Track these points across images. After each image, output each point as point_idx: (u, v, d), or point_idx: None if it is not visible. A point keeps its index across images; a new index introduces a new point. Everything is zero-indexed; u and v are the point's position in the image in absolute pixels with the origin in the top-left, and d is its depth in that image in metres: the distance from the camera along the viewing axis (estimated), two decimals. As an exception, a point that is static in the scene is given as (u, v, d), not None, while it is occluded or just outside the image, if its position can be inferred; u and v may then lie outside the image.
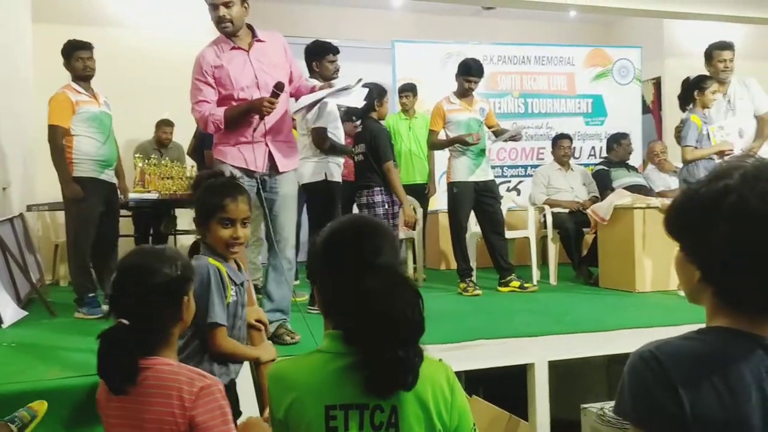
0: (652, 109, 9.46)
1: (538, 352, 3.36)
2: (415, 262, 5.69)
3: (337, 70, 4.38)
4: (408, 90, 6.24)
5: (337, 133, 4.28)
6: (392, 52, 7.26)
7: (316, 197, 4.20)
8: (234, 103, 3.15)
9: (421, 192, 6.05)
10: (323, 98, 3.41)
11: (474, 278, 5.14)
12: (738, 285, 1.08)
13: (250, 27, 3.28)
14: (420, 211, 5.74)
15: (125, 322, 1.61)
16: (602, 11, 7.64)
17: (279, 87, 3.06)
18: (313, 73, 4.36)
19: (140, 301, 1.61)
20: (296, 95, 3.47)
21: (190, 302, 1.72)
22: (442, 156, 5.73)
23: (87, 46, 4.30)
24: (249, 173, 3.16)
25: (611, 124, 7.84)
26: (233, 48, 3.21)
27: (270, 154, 3.22)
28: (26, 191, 5.76)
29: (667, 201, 5.06)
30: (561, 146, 5.91)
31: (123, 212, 5.07)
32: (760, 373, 1.08)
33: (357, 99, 3.54)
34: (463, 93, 5.07)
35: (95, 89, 4.39)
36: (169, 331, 1.68)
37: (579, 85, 7.84)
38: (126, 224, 5.60)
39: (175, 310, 1.67)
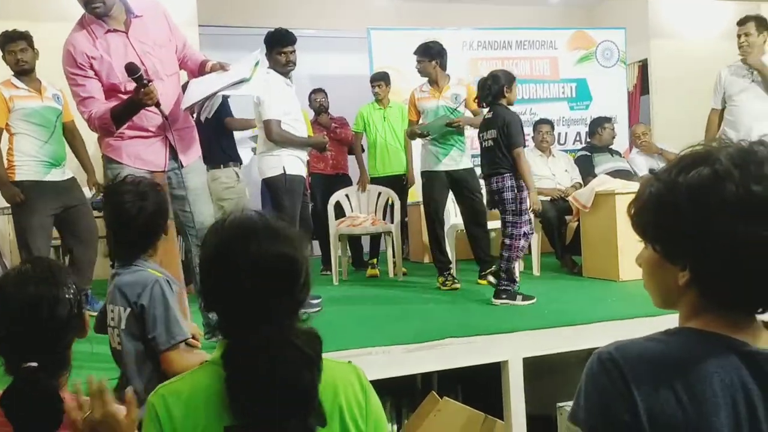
0: (634, 92, 9.29)
1: (511, 349, 3.19)
2: (394, 255, 5.51)
3: (291, 62, 4.14)
4: (380, 79, 6.05)
5: (297, 126, 4.08)
6: (368, 41, 7.05)
7: (276, 192, 4.00)
8: (122, 96, 2.79)
9: (398, 183, 5.88)
10: (217, 92, 3.04)
11: (454, 271, 4.98)
12: (735, 284, 0.95)
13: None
14: (397, 203, 5.56)
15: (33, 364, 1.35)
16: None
17: (132, 70, 2.61)
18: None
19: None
20: (186, 69, 3.13)
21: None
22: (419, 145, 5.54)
23: (19, 37, 4.00)
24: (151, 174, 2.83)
25: (597, 108, 7.64)
26: (108, 31, 2.79)
27: (171, 148, 2.93)
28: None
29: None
30: (541, 132, 5.74)
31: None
32: (733, 385, 0.93)
33: (255, 86, 3.18)
34: (432, 79, 4.87)
35: (44, 82, 4.11)
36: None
37: (562, 69, 7.64)
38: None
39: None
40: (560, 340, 3.31)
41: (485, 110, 4.34)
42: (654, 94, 9.12)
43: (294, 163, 4.06)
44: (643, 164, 6.00)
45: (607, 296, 4.22)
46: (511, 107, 4.21)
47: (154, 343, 1.93)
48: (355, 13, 8.06)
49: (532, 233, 4.43)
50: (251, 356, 1.13)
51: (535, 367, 3.42)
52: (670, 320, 1.05)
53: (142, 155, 2.86)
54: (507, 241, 4.07)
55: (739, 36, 4.69)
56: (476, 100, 4.40)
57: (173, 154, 2.94)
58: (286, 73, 4.13)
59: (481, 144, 4.31)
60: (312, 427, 1.14)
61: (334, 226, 5.41)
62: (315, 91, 6.35)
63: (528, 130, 7.10)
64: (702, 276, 0.96)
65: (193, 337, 2.05)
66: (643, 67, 9.43)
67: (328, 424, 1.17)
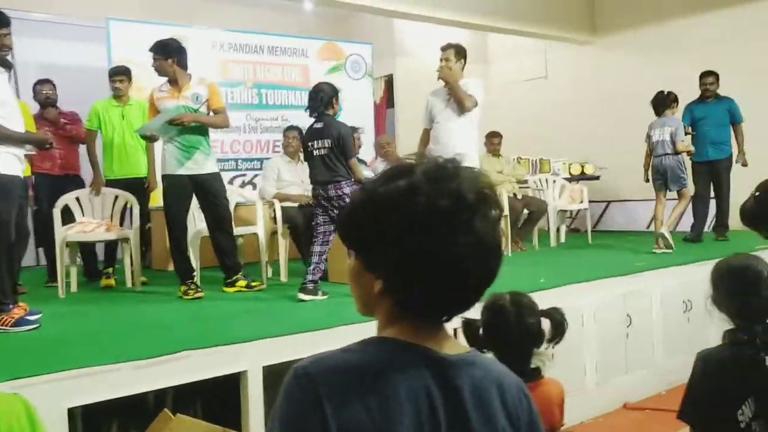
0: (381, 104, 9.82)
1: (251, 359, 3.07)
2: (132, 264, 5.09)
3: (5, 46, 3.69)
4: (122, 74, 5.58)
5: (12, 119, 3.56)
6: (107, 32, 6.49)
7: None
8: None
9: (139, 187, 5.46)
10: None
11: (197, 279, 4.74)
12: (424, 294, 0.97)
13: None
14: (136, 207, 5.15)
15: None
16: (335, 5, 7.65)
17: None
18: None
19: None
20: None
21: None
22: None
23: None
24: None
25: (345, 118, 7.83)
26: None
27: None
28: None
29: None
30: (288, 137, 5.75)
31: None
32: (417, 392, 0.94)
33: None
34: (171, 78, 4.60)
35: None
36: None
37: (314, 77, 7.72)
38: None
39: None
40: (305, 346, 3.26)
41: (316, 120, 4.48)
42: (398, 107, 9.73)
43: (8, 161, 3.54)
44: (386, 173, 6.29)
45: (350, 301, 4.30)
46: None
47: None
48: (94, 0, 7.38)
49: None
50: None
51: (281, 375, 3.34)
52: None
53: None
54: (325, 241, 4.37)
55: (440, 60, 4.99)
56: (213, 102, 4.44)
57: None
58: None
59: (310, 152, 4.44)
60: None
61: (61, 233, 4.84)
62: (40, 82, 5.66)
63: (280, 136, 7.18)
64: (393, 285, 0.97)
65: None
66: (389, 81, 10.02)
67: None
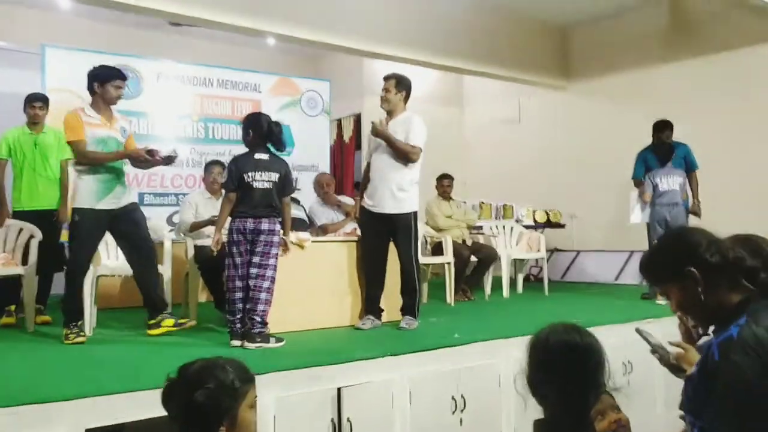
0: (348, 144, 9.57)
1: (65, 420, 2.68)
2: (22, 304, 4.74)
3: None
4: (39, 100, 5.32)
5: None
6: (42, 58, 6.27)
7: None
8: None
9: (48, 219, 5.14)
10: None
11: (88, 323, 4.38)
12: None
13: None
14: (35, 242, 4.82)
15: None
16: (301, 42, 7.42)
17: None
18: None
19: None
20: None
21: None
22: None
23: None
24: None
25: (299, 154, 7.64)
26: None
27: None
28: None
29: (304, 235, 4.82)
30: (212, 173, 5.43)
31: None
32: None
33: None
34: (99, 108, 4.33)
35: None
36: None
37: (266, 112, 7.49)
38: None
39: None
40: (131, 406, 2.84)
41: (257, 152, 4.21)
42: (365, 146, 9.43)
43: None
44: (322, 214, 5.96)
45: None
46: None
47: None
48: (28, 27, 7.23)
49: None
50: None
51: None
52: None
53: None
54: (266, 284, 4.09)
55: (382, 90, 4.78)
56: None
57: None
58: None
59: (248, 183, 4.11)
60: None
61: (-52, 266, 4.53)
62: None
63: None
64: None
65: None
66: (357, 120, 9.77)
67: None
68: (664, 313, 4.56)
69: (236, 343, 4.02)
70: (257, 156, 4.20)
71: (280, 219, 4.23)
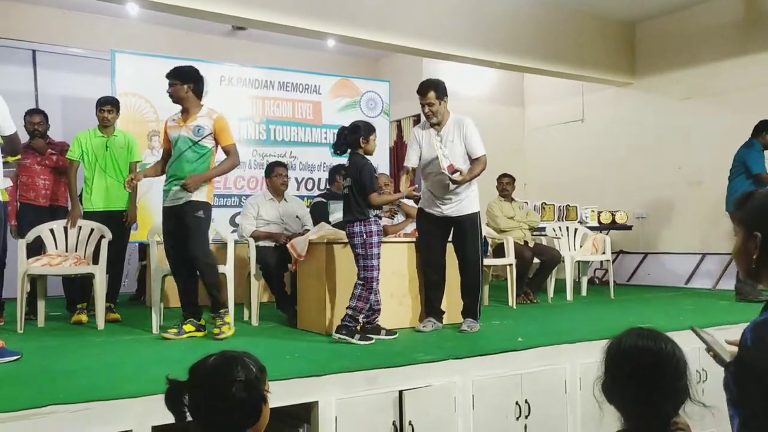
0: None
1: (137, 417, 2.74)
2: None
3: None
4: (110, 103, 5.46)
5: None
6: (112, 64, 6.47)
7: None
8: None
9: (117, 220, 5.29)
10: None
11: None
12: None
13: None
14: (105, 242, 4.96)
15: None
16: (356, 42, 7.44)
17: None
18: None
19: None
20: None
21: None
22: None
23: None
24: None
25: (359, 156, 7.63)
26: None
27: None
28: None
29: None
30: (279, 174, 5.46)
31: None
32: None
33: None
34: (184, 106, 4.39)
35: None
36: None
37: (326, 114, 7.56)
38: None
39: None
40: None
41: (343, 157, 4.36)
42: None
43: None
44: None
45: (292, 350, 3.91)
46: (368, 157, 4.29)
47: None
48: (99, 34, 7.47)
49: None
50: None
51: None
52: None
53: None
54: (360, 282, 4.15)
55: (422, 106, 4.52)
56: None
57: None
58: None
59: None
60: None
61: (24, 264, 4.70)
62: (30, 113, 5.64)
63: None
64: None
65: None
66: (417, 121, 9.72)
67: None
68: (740, 319, 4.36)
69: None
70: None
71: (358, 222, 4.21)
